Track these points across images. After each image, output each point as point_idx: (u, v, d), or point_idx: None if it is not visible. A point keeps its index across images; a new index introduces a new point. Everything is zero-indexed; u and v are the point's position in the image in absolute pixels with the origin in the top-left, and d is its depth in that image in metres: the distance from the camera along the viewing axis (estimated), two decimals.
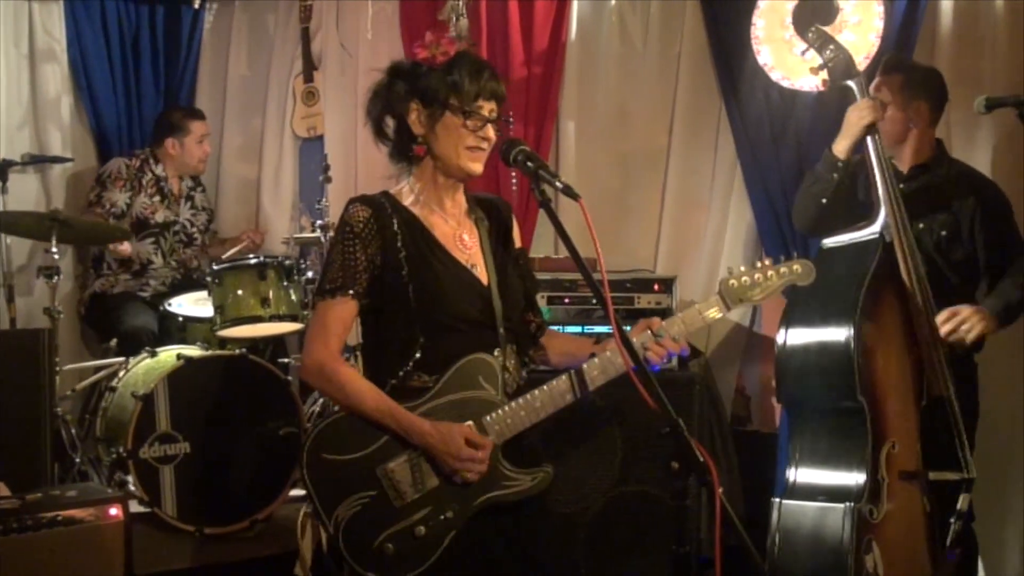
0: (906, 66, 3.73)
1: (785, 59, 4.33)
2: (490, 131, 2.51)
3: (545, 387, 2.46)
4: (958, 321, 3.38)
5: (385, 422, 2.40)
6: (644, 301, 4.23)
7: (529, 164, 2.40)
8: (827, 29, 3.55)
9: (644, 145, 5.00)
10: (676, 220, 4.92)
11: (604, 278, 2.27)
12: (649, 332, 2.49)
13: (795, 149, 4.54)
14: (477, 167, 2.52)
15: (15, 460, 3.80)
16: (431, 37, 2.56)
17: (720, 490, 2.08)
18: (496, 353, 2.49)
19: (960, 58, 4.28)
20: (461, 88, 2.47)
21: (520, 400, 2.45)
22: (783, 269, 2.58)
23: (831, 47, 3.45)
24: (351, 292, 2.46)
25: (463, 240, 2.57)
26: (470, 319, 2.48)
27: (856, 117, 3.41)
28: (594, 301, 4.14)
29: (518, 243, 2.73)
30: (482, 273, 2.55)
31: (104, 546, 3.42)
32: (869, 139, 3.40)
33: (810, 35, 3.51)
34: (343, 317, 2.48)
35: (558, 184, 2.34)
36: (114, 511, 3.45)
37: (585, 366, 2.47)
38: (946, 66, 4.15)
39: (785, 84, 4.37)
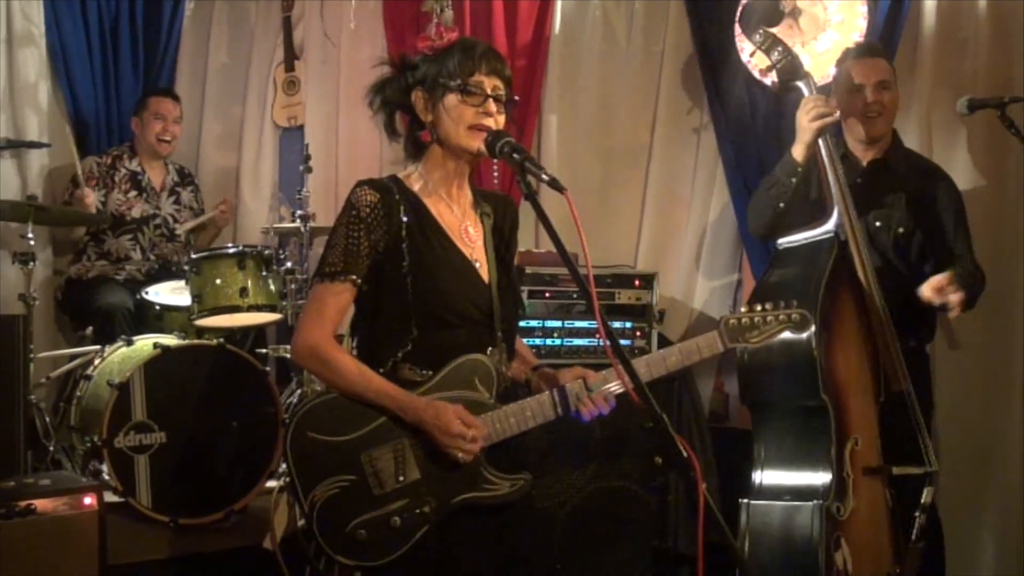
0: (886, 52, 3.73)
1: None
2: (491, 106, 2.45)
3: (537, 398, 2.46)
4: (946, 283, 3.38)
5: (382, 402, 2.38)
6: (624, 297, 4.23)
7: (515, 156, 2.37)
8: (775, 31, 3.54)
9: (626, 141, 5.00)
10: (657, 216, 4.93)
11: (590, 272, 2.26)
12: (583, 384, 2.48)
13: (776, 147, 4.54)
14: (477, 143, 2.46)
15: None
16: (435, 30, 2.53)
17: (703, 486, 2.08)
18: (491, 352, 2.48)
19: (943, 59, 4.28)
20: (454, 65, 2.44)
21: (511, 407, 2.45)
22: (781, 316, 2.59)
23: (779, 49, 3.44)
24: (352, 278, 2.43)
25: (468, 233, 2.55)
26: (469, 317, 2.47)
27: (806, 118, 3.39)
28: (575, 295, 4.14)
29: (519, 245, 2.71)
30: (484, 270, 2.53)
31: (78, 536, 3.38)
32: (820, 138, 3.40)
33: (757, 37, 3.49)
34: (340, 302, 2.45)
35: (544, 176, 2.31)
36: (88, 500, 3.41)
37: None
38: (929, 67, 4.17)
39: (768, 82, 4.38)
